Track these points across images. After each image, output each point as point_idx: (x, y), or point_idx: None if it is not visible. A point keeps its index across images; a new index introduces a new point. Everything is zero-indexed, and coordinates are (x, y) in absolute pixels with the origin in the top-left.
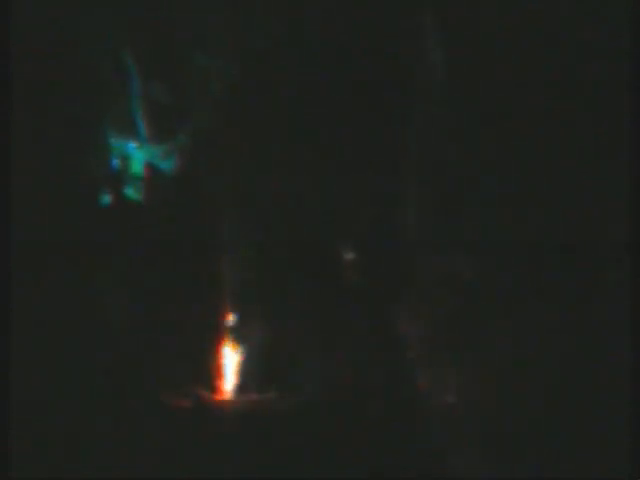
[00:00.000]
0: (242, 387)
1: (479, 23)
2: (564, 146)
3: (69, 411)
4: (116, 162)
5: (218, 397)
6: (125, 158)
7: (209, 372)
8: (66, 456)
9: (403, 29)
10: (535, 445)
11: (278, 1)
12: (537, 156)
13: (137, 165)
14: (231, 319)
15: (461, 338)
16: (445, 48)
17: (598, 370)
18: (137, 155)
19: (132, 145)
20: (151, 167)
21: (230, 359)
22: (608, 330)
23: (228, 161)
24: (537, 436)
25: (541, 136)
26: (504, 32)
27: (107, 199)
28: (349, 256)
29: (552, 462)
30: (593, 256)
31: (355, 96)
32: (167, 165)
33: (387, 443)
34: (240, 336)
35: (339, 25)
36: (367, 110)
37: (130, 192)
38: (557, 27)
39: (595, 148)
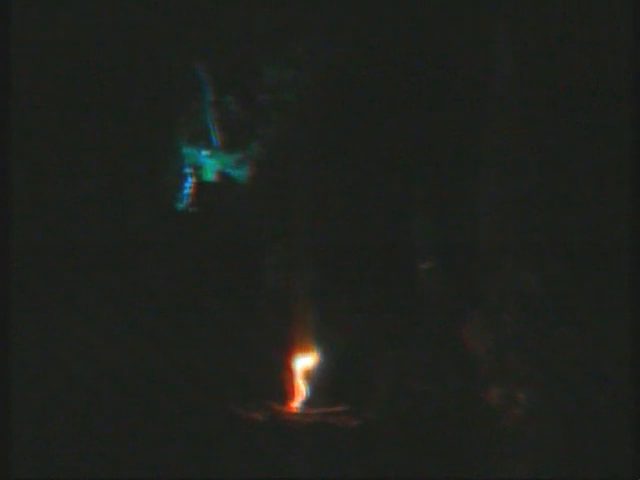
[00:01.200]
0: (313, 400)
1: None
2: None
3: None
4: (189, 170)
5: (290, 410)
6: (197, 166)
7: (281, 385)
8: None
9: (473, 40)
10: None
11: (347, 14)
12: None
13: (209, 173)
14: (303, 333)
15: (530, 352)
16: (515, 58)
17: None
18: (209, 164)
19: (204, 154)
20: (223, 176)
21: (302, 372)
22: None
23: (299, 169)
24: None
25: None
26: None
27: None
28: (424, 267)
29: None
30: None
31: (424, 106)
32: (239, 174)
33: (456, 458)
34: (311, 350)
35: (408, 35)
36: (436, 121)
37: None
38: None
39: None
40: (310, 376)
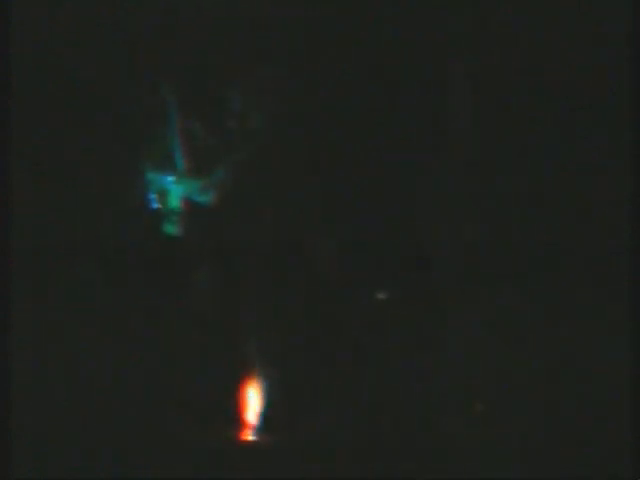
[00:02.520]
0: (265, 427)
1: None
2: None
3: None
4: (154, 196)
5: (243, 437)
6: (163, 192)
7: (235, 412)
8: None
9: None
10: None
11: (314, 42)
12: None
13: (175, 199)
14: (254, 360)
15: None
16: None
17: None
18: (175, 189)
19: (170, 179)
20: (189, 201)
21: (254, 399)
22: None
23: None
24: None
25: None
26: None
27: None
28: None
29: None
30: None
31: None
32: (204, 199)
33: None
34: (263, 377)
35: (369, 69)
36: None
37: (167, 226)
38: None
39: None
40: (261, 404)
